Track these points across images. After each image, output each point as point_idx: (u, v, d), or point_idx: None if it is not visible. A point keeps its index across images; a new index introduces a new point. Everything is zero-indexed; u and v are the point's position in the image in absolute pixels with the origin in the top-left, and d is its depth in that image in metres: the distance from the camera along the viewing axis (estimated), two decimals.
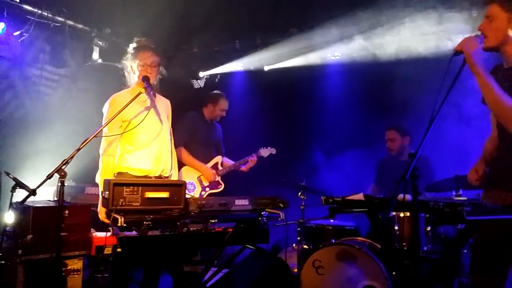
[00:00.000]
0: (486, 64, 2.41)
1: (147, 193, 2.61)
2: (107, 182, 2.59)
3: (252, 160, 5.13)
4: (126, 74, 3.58)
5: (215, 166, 5.09)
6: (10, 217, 3.40)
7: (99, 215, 3.26)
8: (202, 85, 6.96)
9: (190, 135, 4.94)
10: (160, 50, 3.58)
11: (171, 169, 3.59)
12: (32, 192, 2.93)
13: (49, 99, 5.47)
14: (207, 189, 5.02)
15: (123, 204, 2.55)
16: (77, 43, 5.97)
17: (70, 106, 5.44)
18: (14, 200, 3.44)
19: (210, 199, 2.77)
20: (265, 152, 5.24)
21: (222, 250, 2.77)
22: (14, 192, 3.44)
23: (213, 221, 2.58)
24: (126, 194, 2.57)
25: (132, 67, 3.50)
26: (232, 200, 2.80)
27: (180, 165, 4.76)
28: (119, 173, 3.42)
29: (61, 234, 2.86)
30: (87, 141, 3.01)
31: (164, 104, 3.60)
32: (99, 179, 3.38)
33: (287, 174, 5.40)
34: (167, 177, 3.56)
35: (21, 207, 3.06)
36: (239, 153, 5.34)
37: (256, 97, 6.59)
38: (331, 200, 2.62)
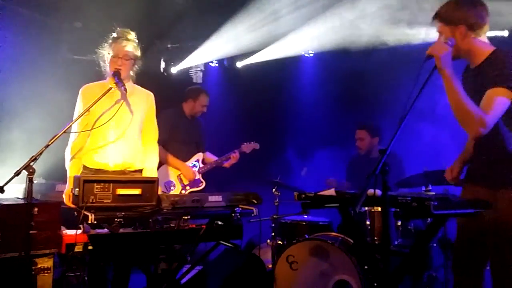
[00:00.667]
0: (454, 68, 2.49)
1: (118, 189, 2.58)
2: (77, 179, 2.55)
3: (234, 156, 5.05)
4: (101, 64, 3.51)
5: (196, 164, 5.01)
6: None
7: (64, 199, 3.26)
8: (200, 79, 6.81)
9: (169, 133, 4.74)
10: (138, 42, 3.51)
11: (148, 163, 3.54)
12: (0, 190, 2.86)
13: (17, 93, 5.32)
14: (188, 187, 4.92)
15: (94, 201, 2.52)
16: (47, 37, 5.85)
17: (40, 101, 5.30)
18: None
19: (183, 195, 2.77)
20: (247, 147, 5.16)
21: (196, 247, 2.77)
22: None
23: (186, 217, 2.58)
24: (96, 191, 2.54)
25: (107, 58, 3.43)
26: (206, 196, 2.80)
27: (159, 164, 4.70)
28: (86, 168, 3.38)
29: (31, 232, 2.77)
30: (56, 137, 2.95)
31: (140, 97, 3.51)
32: (68, 164, 3.36)
33: (262, 170, 5.42)
34: (134, 171, 3.48)
35: None
36: (218, 148, 5.33)
37: (231, 92, 6.59)
38: (303, 196, 2.66)
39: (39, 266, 3.05)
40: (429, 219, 3.16)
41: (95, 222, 2.32)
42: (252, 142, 5.20)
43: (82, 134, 3.36)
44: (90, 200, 2.50)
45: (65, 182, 4.48)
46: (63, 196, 3.34)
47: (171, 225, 2.65)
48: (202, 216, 2.73)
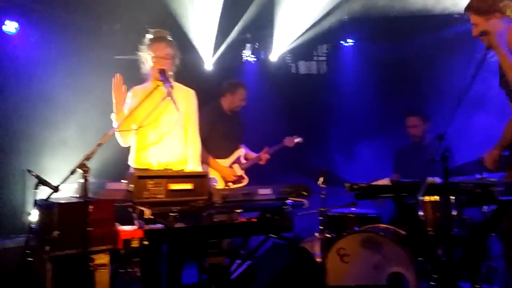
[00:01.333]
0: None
1: (171, 185, 2.62)
2: (130, 175, 2.61)
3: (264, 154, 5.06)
4: (141, 66, 3.58)
5: (237, 160, 5.00)
6: (34, 215, 3.44)
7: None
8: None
9: (209, 130, 4.65)
10: (175, 41, 3.55)
11: (193, 160, 3.58)
12: (55, 189, 2.97)
13: (64, 96, 5.50)
14: (230, 184, 4.87)
15: (148, 196, 2.56)
16: (88, 38, 6.00)
17: (89, 99, 5.45)
18: (38, 197, 3.50)
19: (234, 189, 2.78)
20: (289, 141, 5.11)
21: (247, 241, 2.77)
22: (37, 189, 3.49)
23: (238, 211, 2.59)
24: (150, 187, 2.58)
25: (147, 59, 3.49)
26: (255, 189, 2.79)
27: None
28: (137, 169, 3.45)
29: (87, 229, 2.86)
30: (107, 136, 3.03)
31: (182, 95, 3.55)
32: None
33: (305, 163, 5.38)
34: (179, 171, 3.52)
35: (46, 204, 3.09)
36: (258, 143, 5.31)
37: (271, 85, 6.55)
38: (356, 187, 2.61)
39: (96, 262, 3.15)
40: (486, 207, 3.04)
41: (152, 217, 2.35)
42: (294, 136, 5.14)
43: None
44: (144, 196, 2.54)
45: (115, 180, 4.65)
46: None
47: (223, 219, 2.66)
48: (253, 209, 2.73)
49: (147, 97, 3.14)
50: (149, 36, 3.53)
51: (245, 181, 5.01)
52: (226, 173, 4.88)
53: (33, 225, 3.45)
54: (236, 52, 6.63)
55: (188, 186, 2.65)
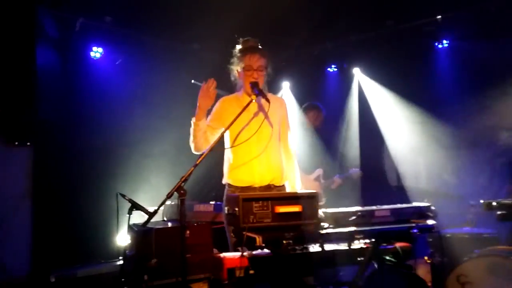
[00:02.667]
0: None
1: (278, 207, 2.37)
2: (234, 198, 2.40)
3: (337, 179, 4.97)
4: (232, 78, 3.43)
5: (318, 179, 4.84)
6: (128, 240, 3.35)
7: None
8: None
9: None
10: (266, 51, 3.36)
11: (291, 178, 3.36)
12: (153, 214, 2.84)
13: (149, 119, 5.54)
14: None
15: (254, 221, 2.34)
16: (169, 60, 6.04)
17: (170, 127, 5.47)
18: (131, 222, 3.42)
19: (346, 211, 2.48)
20: (355, 173, 5.10)
21: (366, 269, 2.45)
22: (131, 214, 3.41)
23: (358, 236, 2.28)
24: (256, 210, 2.36)
25: (238, 72, 3.32)
26: (371, 210, 2.48)
27: None
28: (230, 186, 3.26)
29: (185, 256, 2.68)
30: (203, 156, 2.87)
31: (276, 105, 3.34)
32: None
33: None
34: (279, 187, 3.31)
35: (141, 230, 2.97)
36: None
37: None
38: (495, 205, 2.21)
39: None
40: None
41: (263, 244, 2.12)
42: (359, 170, 5.11)
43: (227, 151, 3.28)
44: (251, 220, 2.32)
45: (201, 202, 4.55)
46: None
47: (337, 244, 2.37)
48: (371, 235, 2.41)
49: (243, 110, 2.94)
50: (239, 46, 3.36)
51: (323, 201, 4.80)
52: (313, 186, 4.69)
53: (127, 251, 3.37)
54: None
55: (296, 208, 2.39)
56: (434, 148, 5.37)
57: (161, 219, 4.37)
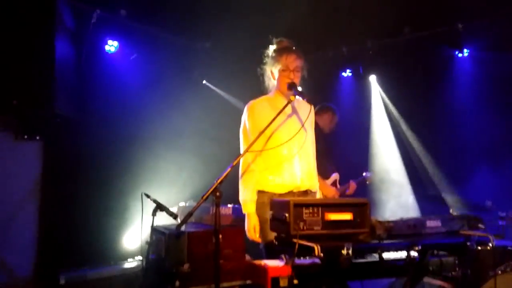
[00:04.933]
0: None
1: (328, 214, 2.26)
2: (282, 203, 2.27)
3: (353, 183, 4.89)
4: (265, 79, 3.30)
5: (334, 184, 4.74)
6: (150, 242, 3.22)
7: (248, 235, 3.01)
8: None
9: None
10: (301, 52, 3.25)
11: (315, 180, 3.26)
12: (188, 216, 2.69)
13: (162, 118, 5.41)
14: None
15: (304, 228, 2.22)
16: (182, 58, 5.93)
17: (184, 125, 5.36)
18: (155, 224, 3.28)
19: (397, 221, 2.37)
20: (369, 177, 5.05)
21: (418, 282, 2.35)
22: (155, 215, 3.28)
23: (417, 248, 2.18)
24: (306, 217, 2.24)
25: (273, 72, 3.20)
26: (422, 221, 2.39)
27: None
28: (260, 192, 3.13)
29: (219, 261, 2.55)
30: (240, 157, 2.75)
31: (306, 110, 3.22)
32: (245, 198, 3.10)
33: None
34: (314, 192, 3.22)
35: (172, 233, 2.84)
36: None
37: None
38: None
39: None
40: None
41: (321, 255, 2.00)
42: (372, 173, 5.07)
43: (257, 157, 3.13)
44: (301, 227, 2.20)
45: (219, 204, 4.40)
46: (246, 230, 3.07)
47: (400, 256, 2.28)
48: (426, 246, 2.30)
49: (283, 109, 2.83)
50: (273, 47, 3.24)
51: None
52: (330, 192, 4.58)
53: (151, 255, 3.23)
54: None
55: (347, 216, 2.28)
56: (451, 157, 5.34)
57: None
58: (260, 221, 3.06)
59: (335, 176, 4.80)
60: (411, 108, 5.79)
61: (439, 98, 5.50)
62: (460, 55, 5.44)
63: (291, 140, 3.05)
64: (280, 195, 3.02)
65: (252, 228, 3.03)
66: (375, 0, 5.09)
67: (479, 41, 5.30)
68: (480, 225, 2.43)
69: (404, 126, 5.80)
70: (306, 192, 3.11)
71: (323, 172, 4.66)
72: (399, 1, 5.11)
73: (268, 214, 2.96)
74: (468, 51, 5.42)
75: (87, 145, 4.81)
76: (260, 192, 3.11)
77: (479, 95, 5.27)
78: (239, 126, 3.25)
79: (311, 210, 2.25)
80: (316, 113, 4.96)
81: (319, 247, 2.00)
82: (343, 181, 4.90)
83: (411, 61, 5.73)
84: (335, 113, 5.03)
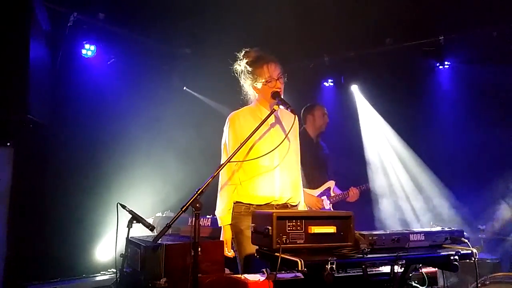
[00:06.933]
0: None
1: (312, 227, 2.24)
2: (267, 216, 2.24)
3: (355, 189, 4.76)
4: (244, 90, 3.27)
5: (327, 192, 4.69)
6: (125, 255, 3.12)
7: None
8: None
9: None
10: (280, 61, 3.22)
11: (298, 192, 3.24)
12: (166, 229, 2.63)
13: (139, 124, 5.33)
14: None
15: (287, 241, 2.20)
16: (162, 64, 5.88)
17: (161, 133, 5.29)
18: (130, 235, 3.20)
19: (381, 234, 2.37)
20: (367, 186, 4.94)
21: None
22: (131, 227, 3.19)
23: (401, 262, 2.17)
24: (289, 230, 2.21)
25: (255, 87, 3.16)
26: (406, 235, 2.39)
27: None
28: (238, 203, 3.10)
29: (198, 275, 2.50)
30: (221, 167, 2.71)
31: (290, 121, 3.18)
32: (221, 212, 3.07)
33: None
34: (294, 206, 3.20)
35: (150, 245, 2.77)
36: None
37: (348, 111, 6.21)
38: None
39: None
40: None
41: (305, 270, 1.97)
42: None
43: (232, 167, 3.10)
44: (284, 241, 2.17)
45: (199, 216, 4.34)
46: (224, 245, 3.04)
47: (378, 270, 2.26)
48: (410, 261, 2.30)
49: (267, 118, 2.82)
50: (246, 60, 3.19)
51: None
52: (313, 203, 4.54)
53: (126, 268, 3.14)
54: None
55: (330, 229, 2.27)
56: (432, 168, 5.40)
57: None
58: (235, 232, 3.04)
59: (328, 183, 4.75)
60: (393, 119, 5.84)
61: (420, 109, 5.57)
62: (441, 67, 5.55)
63: (273, 151, 3.03)
64: (258, 206, 2.99)
65: (224, 243, 3.03)
66: (357, 10, 5.13)
67: (460, 54, 5.40)
68: (463, 239, 2.44)
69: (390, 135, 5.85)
70: (285, 205, 3.07)
71: (312, 182, 4.63)
72: (381, 12, 5.15)
73: (244, 225, 2.97)
74: (449, 63, 5.53)
75: (61, 152, 4.70)
76: (236, 203, 3.08)
77: (460, 107, 5.37)
78: (222, 135, 3.22)
79: (294, 223, 2.23)
80: (307, 111, 4.93)
81: (302, 261, 1.98)
82: (343, 187, 4.83)
83: (392, 72, 5.80)
84: (325, 107, 5.01)
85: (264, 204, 3.01)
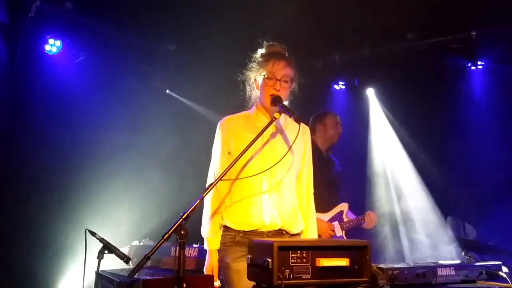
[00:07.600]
0: None
1: (320, 260, 2.22)
2: (263, 245, 2.23)
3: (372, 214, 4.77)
4: (247, 89, 3.27)
5: (339, 217, 4.68)
6: None
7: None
8: None
9: None
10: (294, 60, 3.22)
11: (309, 223, 3.21)
12: (144, 260, 2.61)
13: (113, 132, 5.33)
14: None
15: (290, 276, 2.18)
16: (139, 62, 5.91)
17: (139, 143, 5.30)
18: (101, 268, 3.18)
19: (403, 268, 2.36)
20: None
21: None
22: (102, 258, 3.17)
23: None
24: (293, 262, 2.20)
25: (256, 80, 3.17)
26: (433, 269, 2.38)
27: None
28: (227, 229, 3.08)
29: None
30: (210, 188, 2.69)
31: (296, 131, 3.02)
32: (208, 234, 3.06)
33: None
34: (293, 235, 3.14)
35: (124, 281, 2.75)
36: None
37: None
38: None
39: None
40: None
41: None
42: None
43: (225, 185, 3.09)
44: (286, 276, 2.16)
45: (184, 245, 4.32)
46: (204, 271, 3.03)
47: None
48: None
49: (266, 129, 2.81)
50: (262, 51, 3.21)
51: None
52: (322, 230, 4.53)
53: None
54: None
55: (342, 262, 2.25)
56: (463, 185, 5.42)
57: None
58: (222, 267, 3.03)
59: (341, 206, 4.76)
60: (415, 129, 5.86)
61: (449, 118, 5.60)
62: (473, 67, 5.59)
63: (271, 168, 3.00)
64: (245, 233, 2.96)
65: (209, 269, 3.02)
66: (373, 1, 5.18)
67: (496, 52, 5.44)
68: (501, 273, 2.44)
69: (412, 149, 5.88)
70: (280, 232, 3.05)
71: (321, 204, 4.60)
72: (402, 3, 5.19)
73: (230, 257, 2.95)
74: (483, 63, 5.57)
75: (20, 167, 4.69)
76: (226, 229, 3.06)
77: (496, 115, 5.40)
78: (211, 145, 3.22)
79: (299, 254, 2.22)
80: (317, 119, 4.93)
81: None
82: (358, 211, 4.84)
83: (415, 73, 5.83)
84: (335, 113, 5.02)
85: (250, 231, 2.98)
